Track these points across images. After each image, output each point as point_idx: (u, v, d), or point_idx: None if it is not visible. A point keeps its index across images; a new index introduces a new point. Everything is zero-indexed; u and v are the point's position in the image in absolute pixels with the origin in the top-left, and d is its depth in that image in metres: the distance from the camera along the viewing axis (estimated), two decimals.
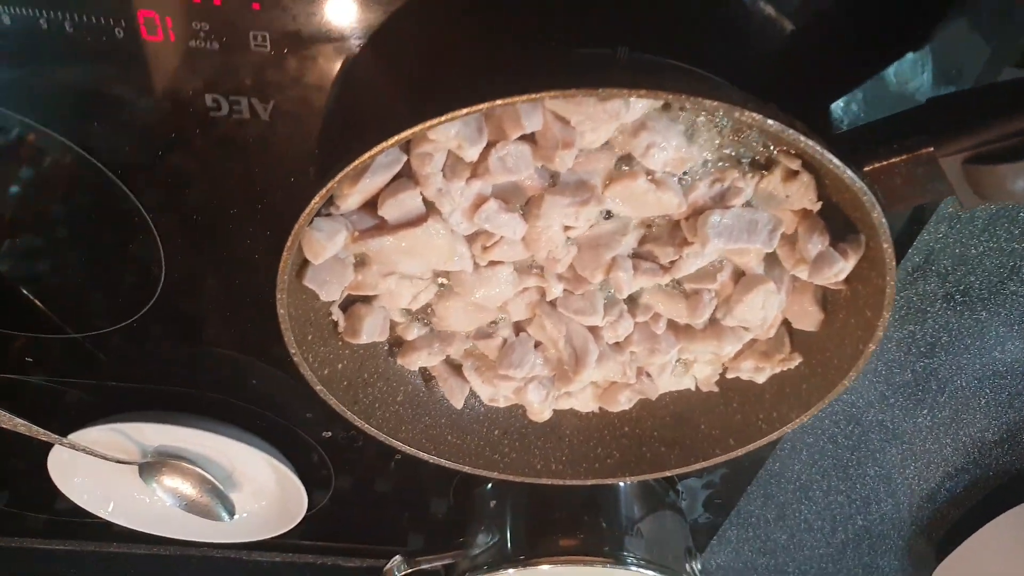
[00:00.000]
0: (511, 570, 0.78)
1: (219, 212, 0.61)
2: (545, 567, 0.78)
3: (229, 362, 0.76)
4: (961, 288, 0.68)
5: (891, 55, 0.51)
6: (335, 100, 0.55)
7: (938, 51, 0.52)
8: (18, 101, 0.55)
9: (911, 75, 0.52)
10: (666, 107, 0.50)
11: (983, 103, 0.45)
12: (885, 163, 0.46)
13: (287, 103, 0.55)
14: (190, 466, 0.84)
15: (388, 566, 0.80)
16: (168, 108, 0.55)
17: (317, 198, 0.48)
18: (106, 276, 0.68)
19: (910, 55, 0.51)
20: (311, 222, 0.52)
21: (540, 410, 0.70)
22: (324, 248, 0.52)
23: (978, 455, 0.87)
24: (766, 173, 0.54)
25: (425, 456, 0.70)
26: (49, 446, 0.81)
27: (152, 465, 0.84)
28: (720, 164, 0.54)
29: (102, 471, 0.87)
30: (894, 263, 0.52)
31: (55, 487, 0.88)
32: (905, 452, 0.87)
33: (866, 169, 0.47)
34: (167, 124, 0.56)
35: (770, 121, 0.44)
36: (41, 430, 0.75)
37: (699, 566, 0.82)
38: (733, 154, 0.54)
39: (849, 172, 0.46)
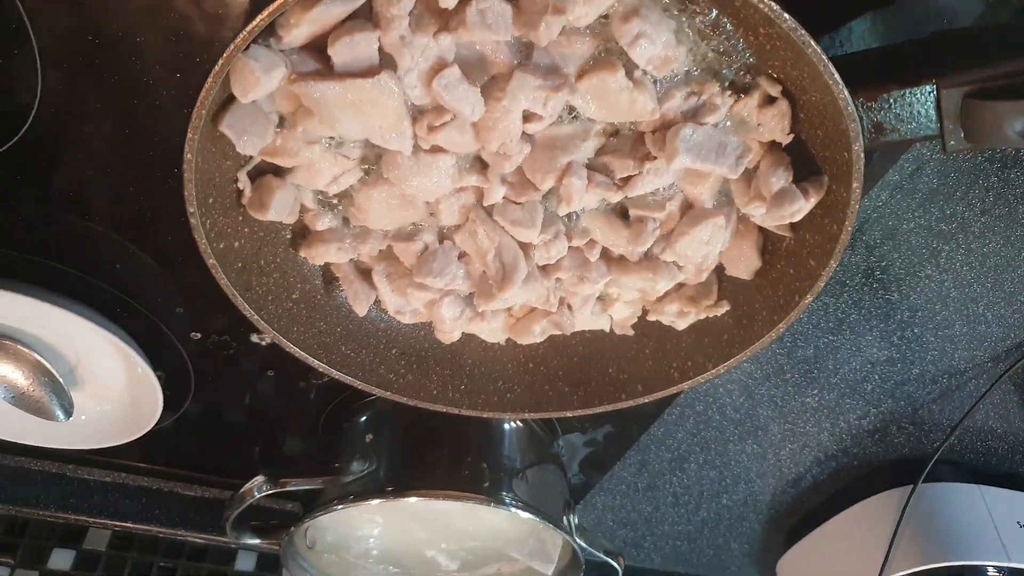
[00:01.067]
0: (382, 501, 0.73)
1: (123, 31, 0.52)
2: (419, 500, 0.73)
3: (97, 232, 0.66)
4: (883, 264, 0.68)
5: None
6: None
7: None
8: None
9: (917, 6, 0.50)
10: None
11: (990, 40, 0.44)
12: (883, 90, 0.45)
13: None
14: (26, 350, 0.73)
15: (248, 485, 0.72)
16: None
17: (265, 13, 0.41)
18: None
19: None
20: (247, 48, 0.44)
21: (450, 328, 0.65)
22: (257, 82, 0.45)
23: (850, 443, 0.89)
24: (743, 96, 0.52)
25: (315, 363, 0.63)
26: None
27: None
28: (700, 76, 0.51)
29: None
30: (857, 206, 0.50)
31: None
32: (786, 432, 0.88)
33: (860, 95, 0.45)
34: None
35: (787, 16, 0.41)
36: None
37: (576, 520, 0.79)
38: (716, 66, 0.51)
39: (845, 92, 0.44)
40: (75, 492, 0.99)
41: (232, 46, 0.42)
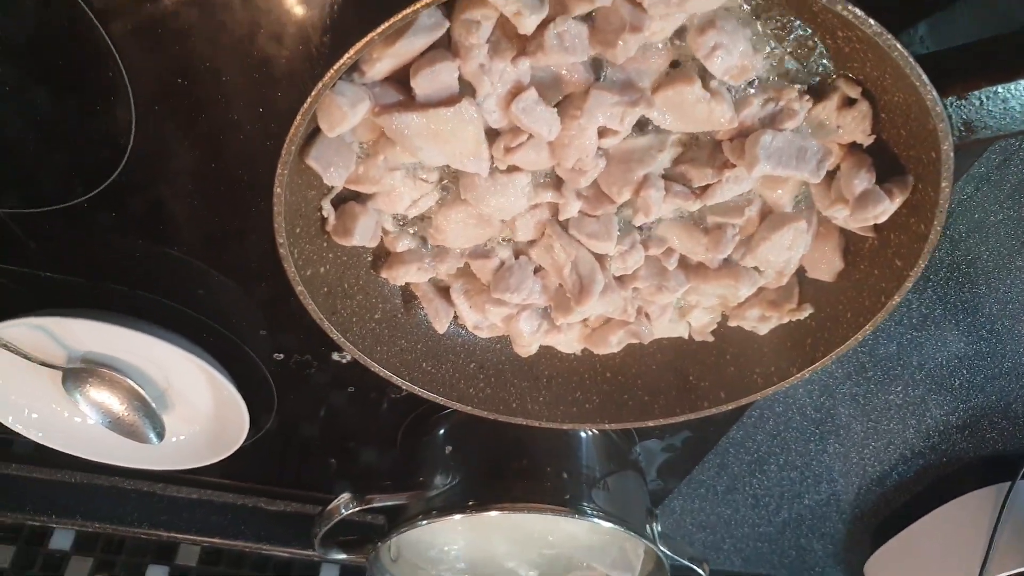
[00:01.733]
0: (465, 515, 0.74)
1: (210, 75, 0.54)
2: (504, 514, 0.73)
3: (186, 262, 0.68)
4: (969, 258, 0.67)
5: None
6: None
7: None
8: None
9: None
10: (746, 4, 0.46)
11: None
12: (973, 87, 0.44)
13: None
14: (122, 377, 0.76)
15: (335, 502, 0.74)
16: None
17: (352, 51, 0.42)
18: (57, 140, 0.59)
19: None
20: (334, 85, 0.45)
21: (528, 342, 0.65)
22: (344, 116, 0.46)
23: (937, 439, 0.87)
24: (821, 99, 0.51)
25: (398, 381, 0.64)
26: None
27: (78, 372, 0.75)
28: (777, 82, 0.51)
29: (16, 374, 0.77)
30: (947, 205, 0.49)
31: None
32: (869, 430, 0.87)
33: (949, 94, 0.45)
34: None
35: (871, 21, 0.41)
36: None
37: (659, 528, 0.79)
38: (793, 71, 0.50)
39: (934, 92, 0.43)
40: (166, 510, 1.02)
41: (320, 84, 0.43)
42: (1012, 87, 0.43)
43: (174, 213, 0.64)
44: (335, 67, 0.42)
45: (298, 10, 0.51)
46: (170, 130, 0.57)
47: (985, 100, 0.44)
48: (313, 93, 0.44)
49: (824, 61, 0.50)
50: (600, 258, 0.60)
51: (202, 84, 0.54)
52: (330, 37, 0.52)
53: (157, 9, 0.51)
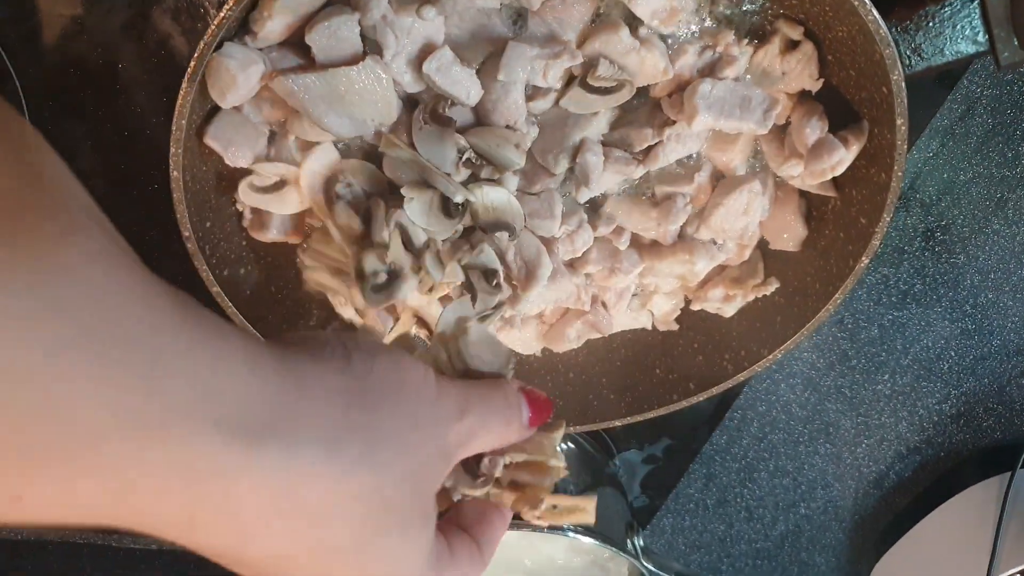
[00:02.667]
0: None
1: (103, 58, 0.50)
2: None
3: None
4: (943, 223, 0.62)
5: None
6: None
7: None
8: None
9: None
10: None
11: None
12: (917, 6, 0.40)
13: None
14: None
15: None
16: None
17: (231, 2, 0.38)
18: None
19: None
20: (219, 46, 0.41)
21: None
22: (234, 80, 0.42)
23: (932, 431, 0.82)
24: (762, 44, 0.47)
25: None
26: None
27: None
28: (713, 27, 0.47)
29: None
30: (905, 146, 0.45)
31: None
32: (860, 426, 0.81)
33: (893, 17, 0.41)
34: None
35: None
36: None
37: (642, 543, 0.73)
38: (729, 15, 0.47)
39: (875, 13, 0.40)
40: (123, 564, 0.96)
41: (202, 43, 0.40)
42: (959, 3, 0.40)
43: None
44: (216, 21, 0.39)
45: None
46: (68, 129, 0.53)
47: (933, 20, 0.40)
48: (196, 54, 0.40)
49: (761, 1, 0.46)
50: (546, 241, 0.55)
51: (98, 74, 0.50)
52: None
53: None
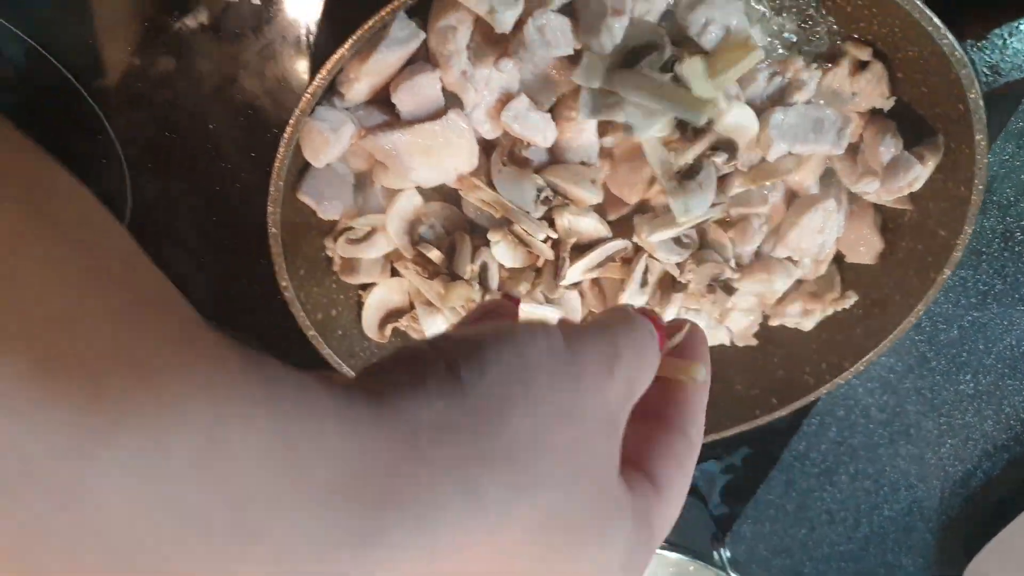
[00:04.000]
0: None
1: (195, 120, 0.53)
2: None
3: None
4: (1022, 223, 0.62)
5: None
6: None
7: None
8: None
9: None
10: None
11: None
12: (993, 26, 0.40)
13: None
14: None
15: None
16: None
17: (324, 71, 0.40)
18: None
19: None
20: (312, 111, 0.44)
21: None
22: (327, 142, 0.44)
23: (1021, 429, 0.80)
24: (831, 66, 0.48)
25: None
26: None
27: None
28: (780, 54, 0.48)
29: None
30: (985, 159, 0.45)
31: None
32: (942, 426, 0.81)
33: (967, 37, 0.41)
34: (141, 11, 0.47)
35: None
36: None
37: (728, 554, 0.74)
38: (796, 40, 0.47)
39: (950, 36, 0.40)
40: None
41: (298, 111, 0.42)
42: None
43: (179, 272, 0.63)
44: (310, 90, 0.41)
45: (274, 43, 0.50)
46: (165, 187, 0.56)
47: (1008, 38, 0.40)
48: (292, 121, 0.42)
49: (827, 25, 0.47)
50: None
51: (191, 135, 0.53)
52: (309, 67, 0.50)
53: (136, 66, 0.50)
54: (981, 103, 0.42)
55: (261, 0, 0.47)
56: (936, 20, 0.39)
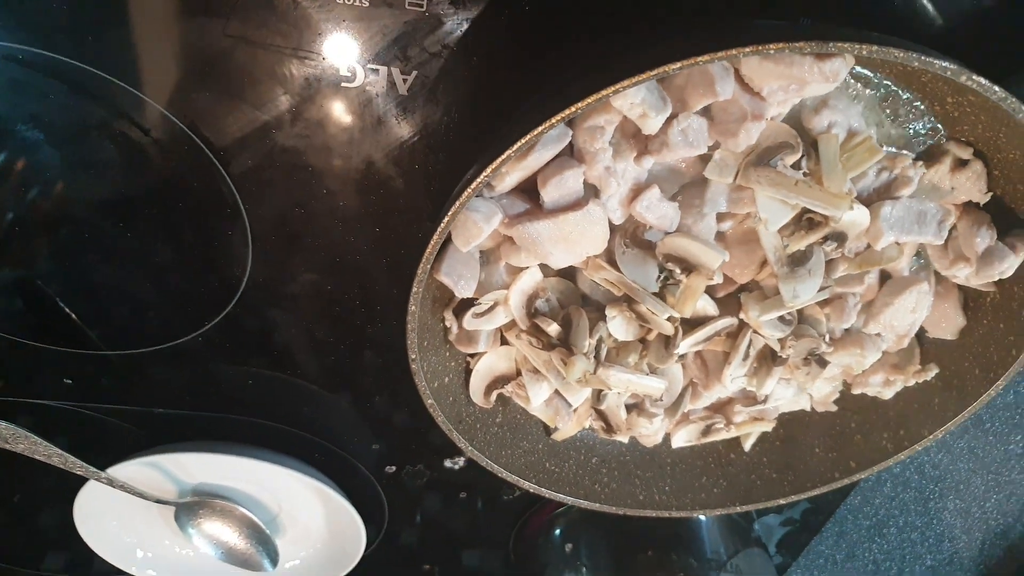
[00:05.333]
0: None
1: (326, 202, 0.55)
2: None
3: (294, 386, 0.69)
4: None
5: None
6: (485, 71, 0.50)
7: None
8: (109, 59, 0.48)
9: None
10: (855, 80, 0.47)
11: None
12: None
13: (432, 72, 0.50)
14: (234, 506, 0.76)
15: None
16: (292, 76, 0.49)
17: (488, 170, 0.43)
18: (177, 281, 0.60)
19: None
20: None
21: (655, 431, 0.65)
22: (480, 231, 0.47)
23: None
24: (932, 163, 0.51)
25: (525, 484, 0.63)
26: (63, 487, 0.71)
27: (190, 506, 0.75)
28: (889, 151, 0.51)
29: (128, 513, 0.77)
30: None
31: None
32: (989, 483, 0.84)
33: None
34: (287, 95, 0.50)
35: (996, 88, 0.42)
36: (79, 462, 0.66)
37: None
38: (904, 138, 0.51)
39: None
40: None
41: (458, 203, 0.44)
42: None
43: (287, 338, 0.65)
44: (473, 185, 0.44)
45: (415, 131, 0.53)
46: (285, 257, 0.59)
47: None
48: (451, 211, 0.45)
49: (934, 127, 0.51)
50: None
51: (318, 211, 0.56)
52: (445, 155, 0.53)
53: (274, 144, 0.53)
54: None
55: (407, 92, 0.50)
56: None
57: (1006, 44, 0.51)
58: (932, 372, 0.61)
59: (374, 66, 0.49)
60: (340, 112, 0.52)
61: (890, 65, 0.47)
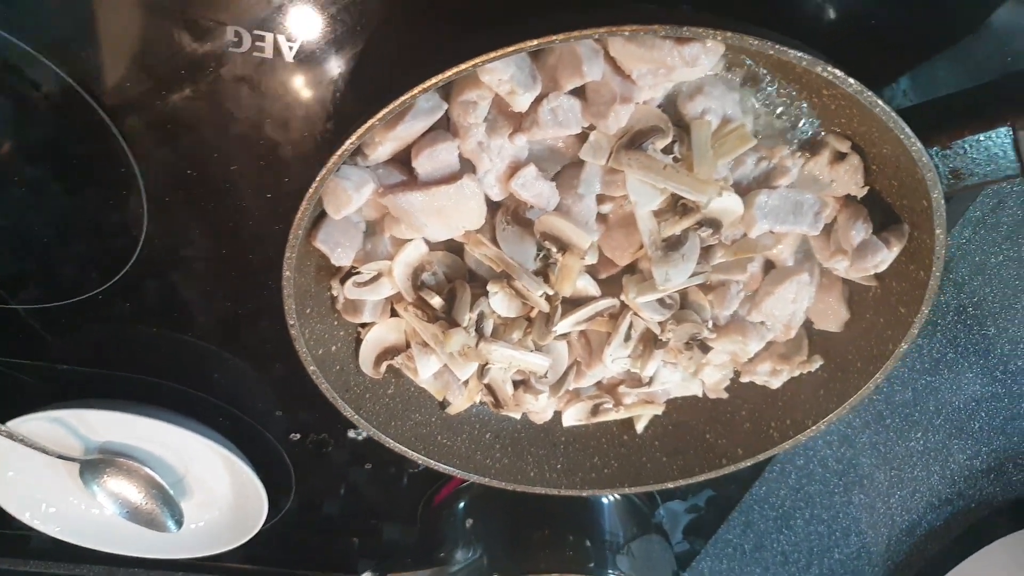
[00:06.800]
0: None
1: (219, 165, 0.56)
2: None
3: (198, 348, 0.69)
4: (975, 300, 0.67)
5: (964, 28, 0.50)
6: (371, 41, 0.50)
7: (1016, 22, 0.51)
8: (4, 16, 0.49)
9: (978, 49, 0.51)
10: (728, 69, 0.48)
11: None
12: (956, 136, 0.45)
13: (318, 41, 0.50)
14: (139, 466, 0.76)
15: None
16: (181, 39, 0.49)
17: (353, 137, 0.43)
18: (72, 235, 0.60)
19: (984, 27, 0.50)
20: (338, 169, 0.47)
21: (542, 408, 0.66)
22: (350, 200, 0.47)
23: (964, 485, 0.86)
24: (812, 155, 0.52)
25: (414, 455, 0.64)
26: None
27: (96, 464, 0.76)
28: (768, 141, 0.52)
29: (32, 469, 0.77)
30: (943, 251, 0.50)
31: None
32: (893, 479, 0.86)
33: (934, 144, 0.46)
34: (177, 58, 0.50)
35: (851, 80, 0.42)
36: None
37: None
38: (782, 130, 0.52)
39: (918, 144, 0.45)
40: None
41: (324, 170, 0.45)
42: (993, 135, 0.45)
43: (187, 299, 0.65)
44: (338, 152, 0.44)
45: (302, 98, 0.53)
46: (181, 219, 0.59)
47: (969, 148, 0.45)
48: (318, 178, 0.45)
49: (812, 119, 0.51)
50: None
51: (212, 174, 0.56)
52: (333, 123, 0.54)
53: (167, 104, 0.53)
54: (943, 201, 0.47)
55: (294, 59, 0.51)
56: (907, 129, 0.44)
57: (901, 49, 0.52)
58: (817, 363, 0.62)
59: (260, 32, 0.49)
60: (229, 77, 0.52)
61: (763, 56, 0.48)
